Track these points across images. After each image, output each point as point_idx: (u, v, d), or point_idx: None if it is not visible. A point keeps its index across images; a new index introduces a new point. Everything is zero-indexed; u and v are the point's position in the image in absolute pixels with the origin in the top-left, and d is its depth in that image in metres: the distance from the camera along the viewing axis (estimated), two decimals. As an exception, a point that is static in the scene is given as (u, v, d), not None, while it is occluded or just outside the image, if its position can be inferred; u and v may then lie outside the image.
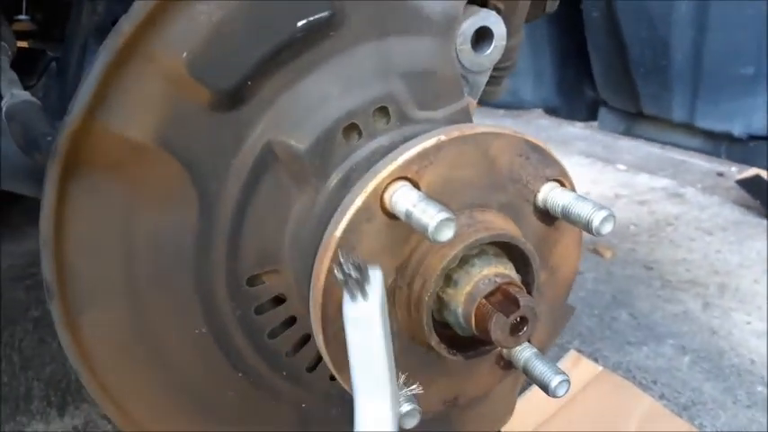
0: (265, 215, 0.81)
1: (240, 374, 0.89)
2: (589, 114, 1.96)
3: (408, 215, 0.69)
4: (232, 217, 0.80)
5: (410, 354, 0.81)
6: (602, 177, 3.82)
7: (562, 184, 0.83)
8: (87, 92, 0.69)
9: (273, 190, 0.80)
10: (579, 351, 1.87)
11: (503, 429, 1.62)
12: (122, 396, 0.85)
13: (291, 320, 0.89)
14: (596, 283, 2.58)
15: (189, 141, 0.75)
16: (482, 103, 1.69)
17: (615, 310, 2.38)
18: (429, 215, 0.66)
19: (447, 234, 0.66)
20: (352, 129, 0.81)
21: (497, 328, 0.72)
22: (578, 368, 1.74)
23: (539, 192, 0.82)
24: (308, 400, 0.95)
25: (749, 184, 3.27)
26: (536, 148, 0.81)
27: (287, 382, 0.92)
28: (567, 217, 0.79)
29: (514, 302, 0.72)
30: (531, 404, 1.65)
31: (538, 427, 1.63)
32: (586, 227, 0.76)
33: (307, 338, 0.90)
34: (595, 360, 1.95)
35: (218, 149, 0.77)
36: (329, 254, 0.73)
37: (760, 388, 1.98)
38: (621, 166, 4.05)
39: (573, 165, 3.97)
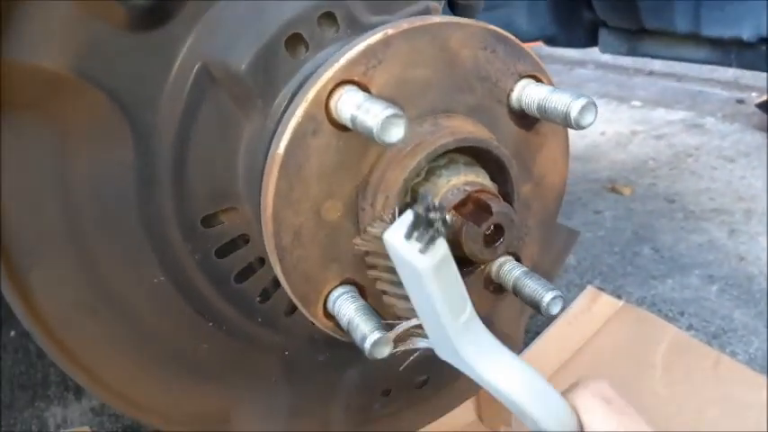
0: (211, 146, 0.74)
1: (211, 324, 0.83)
2: (589, 39, 1.84)
3: (354, 120, 0.61)
4: (173, 150, 0.73)
5: (386, 282, 0.74)
6: (616, 116, 3.68)
7: (538, 80, 0.74)
8: None
9: (216, 117, 0.73)
10: (601, 289, 1.79)
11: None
12: (86, 356, 0.79)
13: (260, 262, 0.82)
14: (616, 220, 2.48)
15: (110, 68, 0.68)
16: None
17: (637, 246, 2.28)
18: (373, 114, 0.58)
19: (396, 133, 0.58)
20: (296, 40, 0.72)
21: (469, 239, 0.64)
22: (597, 304, 1.65)
23: (512, 90, 0.74)
24: (290, 347, 0.89)
25: (771, 107, 3.13)
26: (502, 40, 0.72)
27: (264, 329, 0.86)
28: (544, 113, 0.71)
29: (487, 210, 0.64)
30: (552, 343, 1.57)
31: (561, 366, 1.55)
32: (565, 120, 0.68)
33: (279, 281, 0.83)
34: (618, 297, 1.86)
35: (144, 75, 0.70)
36: (274, 175, 0.65)
37: (794, 310, 1.88)
38: (637, 103, 3.91)
39: (585, 106, 3.83)
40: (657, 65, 4.44)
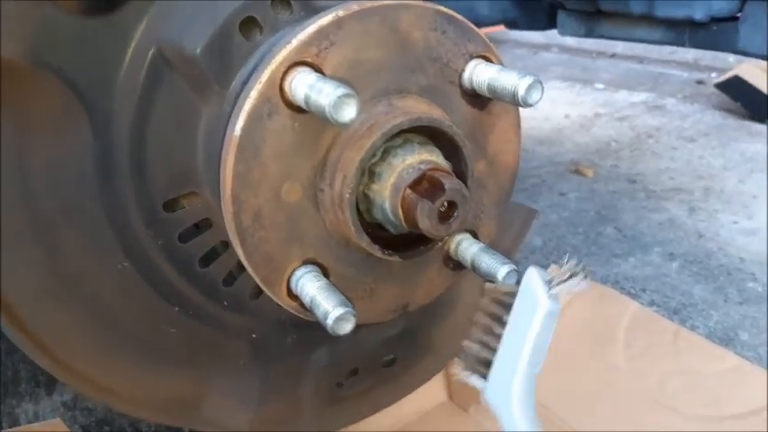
0: (169, 130, 0.75)
1: (177, 309, 0.84)
2: (549, 22, 1.87)
3: (307, 100, 0.63)
4: (131, 136, 0.73)
5: (348, 261, 0.76)
6: (580, 99, 3.74)
7: (488, 60, 0.76)
8: None
9: (173, 102, 0.74)
10: (565, 269, 1.82)
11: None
12: (53, 342, 0.79)
13: (223, 246, 0.83)
14: (580, 201, 2.53)
15: (65, 54, 0.68)
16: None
17: (600, 226, 2.33)
18: (325, 94, 0.60)
19: (349, 112, 0.60)
20: (250, 23, 0.73)
21: (424, 216, 0.66)
22: (561, 282, 1.69)
23: (463, 71, 0.76)
24: (258, 330, 0.91)
25: (728, 87, 3.20)
26: (452, 21, 0.73)
27: (231, 313, 0.87)
28: (494, 92, 0.73)
29: (440, 187, 0.66)
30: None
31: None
32: (513, 98, 0.70)
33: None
34: (582, 275, 1.90)
35: (99, 61, 0.70)
36: (231, 157, 0.66)
37: (751, 284, 1.94)
38: (600, 86, 3.97)
39: (550, 89, 3.88)
40: (620, 48, 4.51)
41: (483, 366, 0.71)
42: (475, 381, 0.73)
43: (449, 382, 1.43)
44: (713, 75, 3.84)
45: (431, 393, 1.40)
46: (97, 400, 0.86)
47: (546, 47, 4.80)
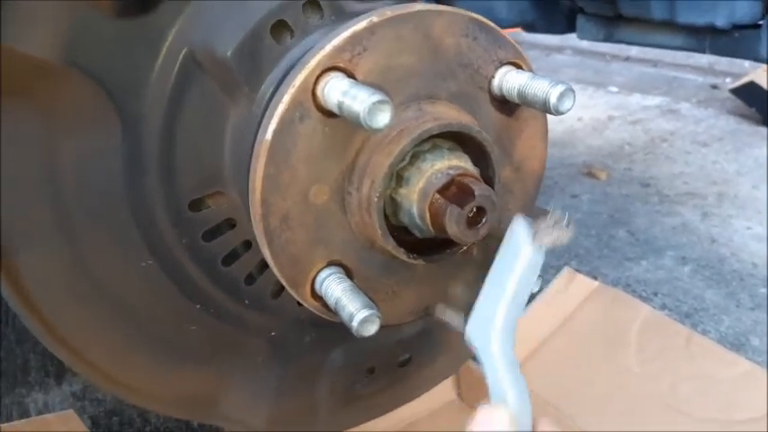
0: (198, 132, 0.75)
1: (198, 306, 0.84)
2: (568, 25, 1.86)
3: (341, 106, 0.63)
4: (160, 136, 0.74)
5: (372, 263, 0.76)
6: (593, 102, 3.73)
7: (518, 67, 0.76)
8: None
9: (203, 103, 0.74)
10: (577, 271, 1.83)
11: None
12: (74, 338, 0.80)
13: (246, 245, 0.84)
14: (593, 204, 2.52)
15: (98, 55, 0.69)
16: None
17: (613, 229, 2.33)
18: (360, 100, 0.60)
19: (383, 119, 0.60)
20: (281, 27, 0.74)
21: (452, 221, 0.66)
22: (574, 284, 1.69)
23: (493, 77, 0.76)
24: (277, 328, 0.91)
25: (743, 92, 3.19)
26: (484, 28, 0.73)
27: (251, 311, 0.87)
28: (524, 99, 0.73)
29: (470, 193, 0.66)
30: (529, 324, 1.61)
31: (540, 344, 1.59)
32: (544, 106, 0.70)
33: (267, 263, 0.84)
34: (594, 278, 1.90)
35: (131, 62, 0.70)
36: (262, 160, 0.66)
37: (763, 290, 1.94)
38: (613, 89, 3.95)
39: (563, 91, 3.85)
40: (634, 51, 4.49)
41: (465, 309, 0.73)
42: (456, 319, 0.75)
43: (458, 381, 1.44)
44: (728, 80, 3.82)
45: (440, 391, 1.40)
46: (118, 395, 0.87)
47: (559, 49, 4.78)
